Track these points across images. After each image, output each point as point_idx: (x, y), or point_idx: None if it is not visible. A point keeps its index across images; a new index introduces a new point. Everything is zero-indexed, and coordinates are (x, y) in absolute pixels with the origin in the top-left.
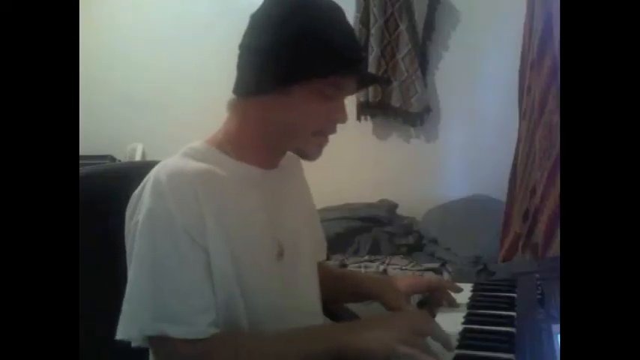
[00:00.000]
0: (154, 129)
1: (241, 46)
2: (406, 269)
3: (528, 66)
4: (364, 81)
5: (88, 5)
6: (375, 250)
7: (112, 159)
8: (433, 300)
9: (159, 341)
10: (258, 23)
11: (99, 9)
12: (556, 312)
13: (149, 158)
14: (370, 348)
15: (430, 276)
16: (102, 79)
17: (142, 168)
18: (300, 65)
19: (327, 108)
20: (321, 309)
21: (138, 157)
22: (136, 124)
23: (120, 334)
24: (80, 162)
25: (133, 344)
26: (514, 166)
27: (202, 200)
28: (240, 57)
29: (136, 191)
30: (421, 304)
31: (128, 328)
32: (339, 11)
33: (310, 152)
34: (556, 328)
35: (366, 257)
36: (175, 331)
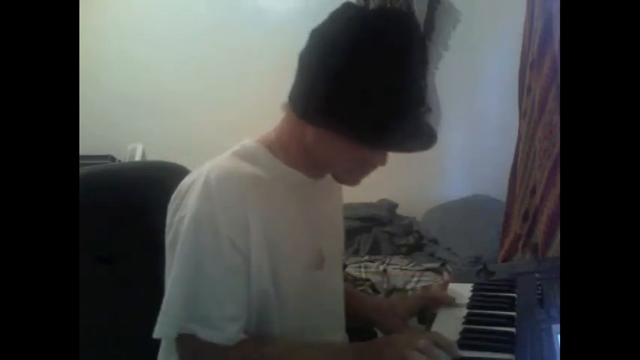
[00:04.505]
0: (154, 129)
1: (299, 56)
2: (406, 269)
3: (528, 66)
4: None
5: (89, 5)
6: (375, 250)
7: (112, 159)
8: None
9: (188, 340)
10: (315, 42)
11: (99, 9)
12: (556, 312)
13: (149, 158)
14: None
15: (423, 293)
16: (102, 79)
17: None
18: (340, 120)
19: (364, 156)
20: (344, 323)
21: (138, 157)
22: (136, 124)
23: (156, 334)
24: (80, 162)
25: (165, 341)
26: (514, 166)
27: (248, 206)
28: (298, 66)
29: (184, 184)
30: (421, 311)
31: (164, 327)
32: (413, 57)
33: (345, 182)
34: (556, 328)
35: (366, 257)
36: (205, 334)
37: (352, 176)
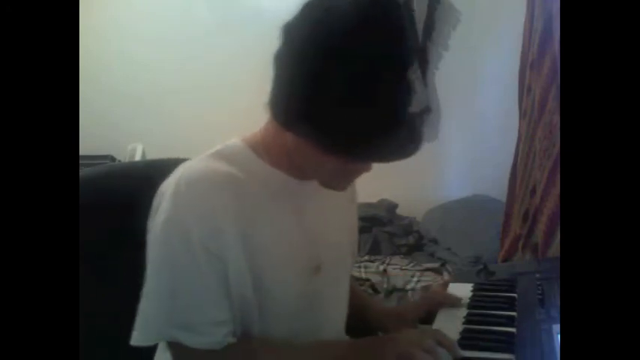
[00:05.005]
0: (154, 129)
1: (274, 57)
2: (406, 269)
3: (528, 66)
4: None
5: (89, 5)
6: (375, 250)
7: (112, 159)
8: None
9: (174, 346)
10: (288, 39)
11: (99, 9)
12: (556, 312)
13: (149, 158)
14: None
15: (429, 298)
16: (102, 79)
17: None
18: (317, 131)
19: (346, 165)
20: (344, 327)
21: (138, 157)
22: (136, 124)
23: (134, 341)
24: (80, 162)
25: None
26: (514, 166)
27: (223, 211)
28: (273, 68)
29: (163, 186)
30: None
31: (141, 335)
32: (402, 52)
33: (330, 187)
34: (556, 328)
35: (366, 257)
36: (190, 340)
37: (336, 183)
